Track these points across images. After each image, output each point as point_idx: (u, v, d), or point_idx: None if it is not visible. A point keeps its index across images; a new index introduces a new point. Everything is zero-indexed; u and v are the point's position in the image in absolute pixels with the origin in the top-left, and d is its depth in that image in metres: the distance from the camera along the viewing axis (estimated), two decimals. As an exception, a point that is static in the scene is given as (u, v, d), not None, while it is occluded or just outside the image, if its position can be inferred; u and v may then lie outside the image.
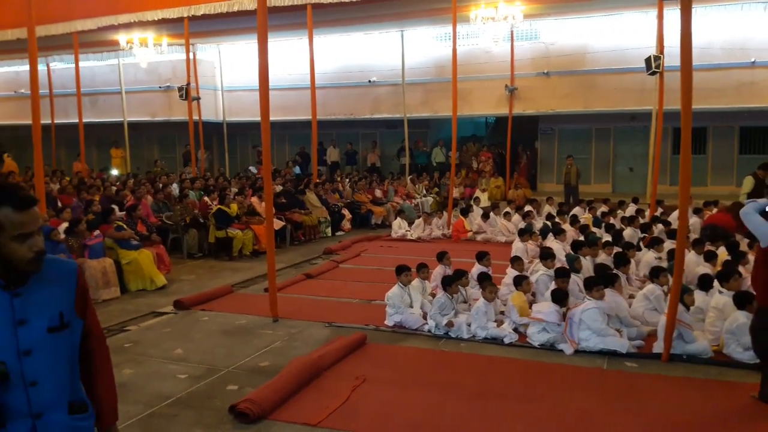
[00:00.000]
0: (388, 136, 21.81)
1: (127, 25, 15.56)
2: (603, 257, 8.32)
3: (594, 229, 10.59)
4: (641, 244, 9.46)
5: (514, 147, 18.45)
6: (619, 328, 6.29)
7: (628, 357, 5.94)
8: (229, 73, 22.04)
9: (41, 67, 17.85)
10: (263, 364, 5.84)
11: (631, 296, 7.39)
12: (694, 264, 7.90)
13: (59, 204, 10.88)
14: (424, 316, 6.94)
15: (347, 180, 17.36)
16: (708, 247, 8.54)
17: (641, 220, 11.15)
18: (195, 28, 15.80)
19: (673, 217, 11.14)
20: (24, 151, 21.87)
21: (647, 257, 8.68)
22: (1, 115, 23.50)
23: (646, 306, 6.86)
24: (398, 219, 13.75)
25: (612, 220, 11.37)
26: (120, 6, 14.62)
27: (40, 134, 8.77)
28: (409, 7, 15.53)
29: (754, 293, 5.18)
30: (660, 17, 12.73)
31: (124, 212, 10.13)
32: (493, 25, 14.83)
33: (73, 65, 16.58)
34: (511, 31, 16.84)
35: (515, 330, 6.54)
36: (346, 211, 14.65)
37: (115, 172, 20.14)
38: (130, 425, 4.58)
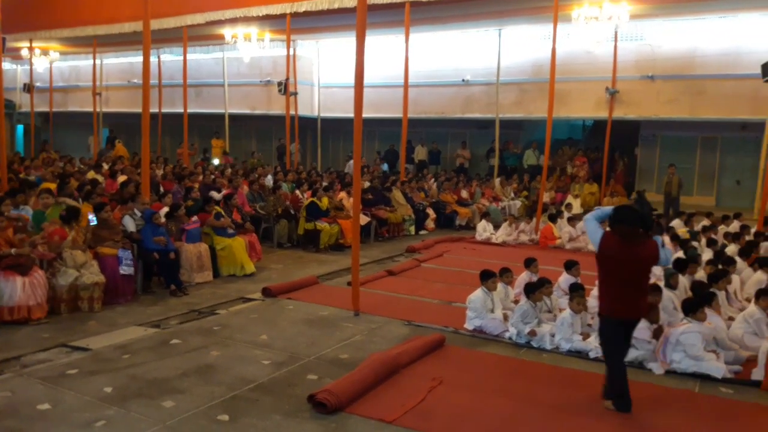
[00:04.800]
0: (478, 137, 21.54)
1: (233, 20, 16.20)
2: (701, 275, 7.84)
3: (693, 244, 10.01)
4: (746, 262, 8.84)
5: (612, 152, 17.74)
6: (716, 351, 5.92)
7: (723, 382, 5.58)
8: (326, 70, 22.49)
9: (153, 59, 18.96)
10: (343, 357, 5.94)
11: (731, 318, 6.93)
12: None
13: (161, 189, 11.51)
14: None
15: (433, 179, 17.28)
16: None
17: (746, 237, 10.41)
18: (296, 24, 16.23)
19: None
20: (133, 137, 23.28)
21: (756, 277, 8.09)
22: (116, 103, 25.10)
23: (746, 329, 6.41)
24: (483, 221, 13.55)
25: (714, 236, 10.69)
26: (227, 2, 15.26)
27: (148, 122, 9.32)
28: (509, 5, 15.26)
29: None
30: (781, 20, 11.85)
31: (221, 199, 10.57)
32: (596, 24, 14.30)
33: (181, 57, 17.48)
34: (615, 32, 16.18)
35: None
36: (430, 211, 14.61)
37: (216, 161, 21.06)
38: (214, 406, 4.78)
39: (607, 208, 5.02)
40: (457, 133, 22.15)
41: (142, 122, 9.24)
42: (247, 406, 4.82)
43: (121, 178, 12.21)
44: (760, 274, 8.10)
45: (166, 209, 9.00)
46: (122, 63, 24.66)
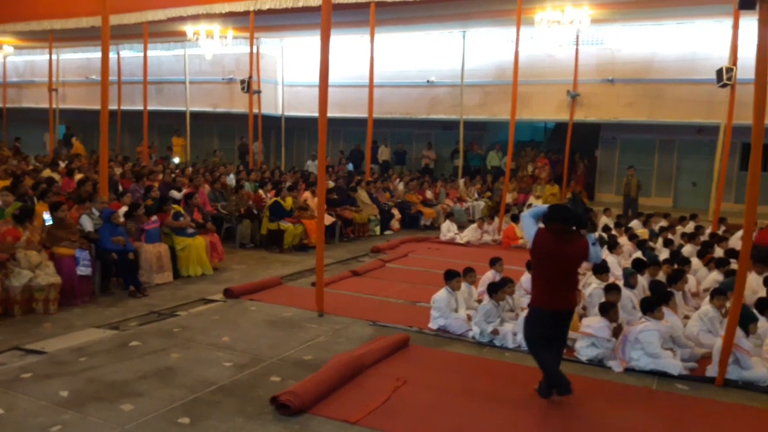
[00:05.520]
0: (443, 138, 21.67)
1: (195, 17, 15.97)
2: (660, 275, 8.03)
3: (651, 244, 10.24)
4: (701, 262, 9.09)
5: (573, 154, 18.05)
6: (672, 348, 6.07)
7: (679, 379, 5.72)
8: (290, 68, 22.34)
9: (112, 55, 18.53)
10: (306, 358, 5.89)
11: (687, 317, 7.11)
12: (758, 286, 7.55)
13: (120, 188, 11.26)
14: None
15: (398, 180, 17.31)
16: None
17: (702, 238, 10.72)
18: (260, 22, 16.07)
19: (737, 237, 10.68)
20: (91, 135, 22.75)
21: (713, 277, 8.32)
22: (73, 100, 24.47)
23: (701, 327, 6.59)
24: (447, 222, 13.65)
25: (671, 236, 10.97)
26: (190, -2, 15.05)
27: (107, 119, 9.10)
28: (473, 8, 15.37)
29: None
30: (735, 27, 12.21)
31: (181, 199, 10.39)
32: (558, 28, 14.53)
33: (142, 54, 17.15)
34: (576, 36, 16.47)
35: (563, 342, 6.39)
36: (396, 211, 14.64)
37: (176, 160, 20.71)
38: (174, 408, 4.69)
39: (543, 206, 5.21)
40: (422, 134, 22.25)
41: (100, 119, 9.02)
42: (208, 408, 4.74)
43: (78, 177, 11.90)
44: (716, 274, 8.34)
45: (125, 208, 8.81)
46: (80, 58, 24.07)
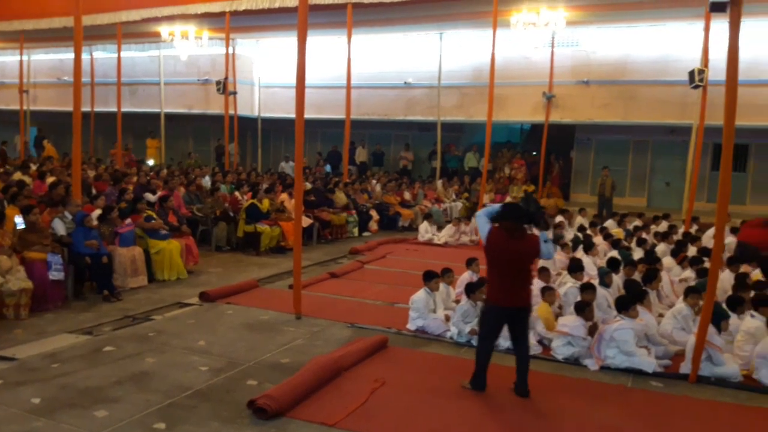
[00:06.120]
0: (421, 139, 21.72)
1: (170, 18, 15.78)
2: (636, 275, 8.13)
3: (625, 243, 10.37)
4: (675, 261, 9.23)
5: (548, 155, 18.22)
6: (647, 346, 6.14)
7: (654, 376, 5.80)
8: (267, 69, 22.22)
9: (84, 56, 18.27)
10: (284, 361, 5.85)
11: (661, 315, 7.21)
12: (728, 284, 7.68)
13: (94, 191, 11.08)
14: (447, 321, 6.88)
15: (374, 181, 17.30)
16: (744, 267, 8.30)
17: (675, 237, 10.89)
18: (236, 23, 15.95)
19: (708, 235, 10.87)
20: (63, 137, 22.36)
21: (684, 275, 8.46)
22: (44, 101, 24.04)
23: (675, 325, 6.69)
24: (425, 223, 13.68)
25: (645, 235, 11.12)
26: (164, -1, 14.86)
27: (80, 121, 8.96)
28: (450, 9, 15.44)
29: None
30: (707, 29, 12.43)
31: (156, 201, 10.26)
32: (534, 30, 14.66)
33: (116, 55, 16.90)
34: (552, 38, 16.62)
35: (539, 342, 6.44)
36: (374, 212, 14.63)
37: (150, 162, 20.46)
38: (150, 414, 4.63)
39: (496, 206, 5.35)
40: (400, 135, 22.27)
41: (73, 121, 8.88)
42: (184, 413, 4.68)
43: (50, 180, 11.69)
44: (688, 272, 8.47)
45: (98, 212, 8.67)
46: (52, 59, 23.65)
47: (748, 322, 6.16)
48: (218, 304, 7.76)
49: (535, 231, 5.32)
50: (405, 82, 19.92)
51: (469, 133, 21.66)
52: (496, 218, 5.20)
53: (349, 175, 16.99)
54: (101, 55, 22.13)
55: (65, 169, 12.94)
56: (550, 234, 5.46)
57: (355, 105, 16.57)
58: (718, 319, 5.87)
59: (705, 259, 8.44)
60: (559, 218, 13.21)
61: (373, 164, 21.50)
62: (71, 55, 9.38)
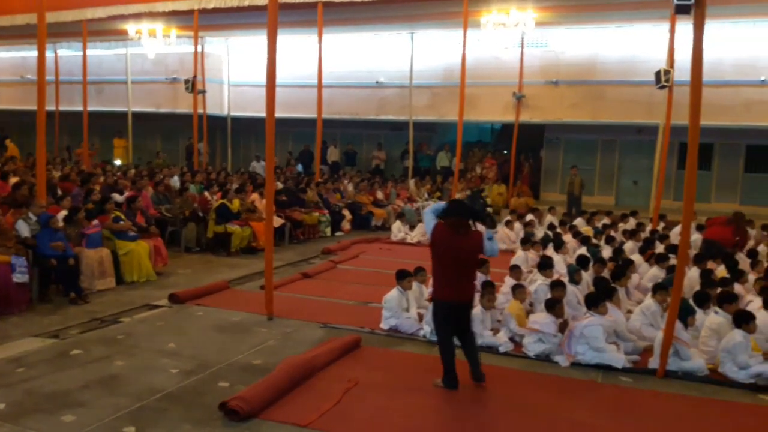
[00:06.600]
0: (393, 139, 21.74)
1: (137, 15, 15.54)
2: (605, 272, 8.25)
3: (594, 241, 10.52)
4: (643, 258, 9.39)
5: (518, 155, 18.40)
6: (616, 342, 6.24)
7: (623, 372, 5.89)
8: (236, 68, 22.01)
9: (49, 54, 17.86)
10: (256, 362, 5.80)
11: (629, 311, 7.32)
12: (695, 281, 7.84)
13: (59, 192, 10.83)
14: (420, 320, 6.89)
15: (346, 181, 17.26)
16: (710, 264, 8.49)
17: (643, 235, 11.09)
18: (204, 21, 15.78)
19: (675, 233, 11.09)
20: (27, 136, 21.81)
21: (652, 272, 8.61)
22: (6, 100, 23.46)
23: (643, 321, 6.81)
24: (398, 222, 13.69)
25: (613, 233, 11.30)
26: (131, -4, 14.62)
27: (44, 120, 8.77)
28: (421, 9, 15.49)
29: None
30: (672, 31, 12.68)
31: (123, 202, 10.09)
32: (503, 31, 14.78)
33: (81, 53, 16.58)
34: (522, 38, 16.78)
35: (511, 339, 6.49)
36: (346, 212, 14.59)
37: (118, 162, 20.10)
38: (119, 418, 4.54)
39: (442, 203, 5.45)
40: (372, 135, 22.26)
41: (37, 120, 8.68)
42: (154, 416, 4.60)
43: (14, 180, 11.39)
44: (655, 269, 8.63)
45: (64, 213, 8.48)
46: (14, 57, 23.12)
47: (712, 318, 6.30)
48: (188, 306, 7.65)
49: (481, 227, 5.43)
50: (376, 82, 19.93)
51: (441, 132, 21.76)
52: (442, 215, 5.28)
53: (321, 174, 16.93)
54: (66, 53, 21.66)
55: (29, 170, 12.63)
56: (495, 232, 5.55)
57: (327, 104, 16.52)
58: (685, 314, 5.99)
59: (672, 256, 8.60)
60: (529, 217, 13.36)
61: (346, 164, 21.45)
62: (35, 53, 9.16)
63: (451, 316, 5.34)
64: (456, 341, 5.42)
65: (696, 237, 10.63)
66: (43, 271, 7.62)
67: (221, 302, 7.85)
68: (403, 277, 7.06)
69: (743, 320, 5.82)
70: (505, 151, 19.96)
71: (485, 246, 5.26)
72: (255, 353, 6.06)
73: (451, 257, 5.20)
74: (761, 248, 10.21)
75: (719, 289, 6.90)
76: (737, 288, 7.34)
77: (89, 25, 15.87)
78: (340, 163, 21.35)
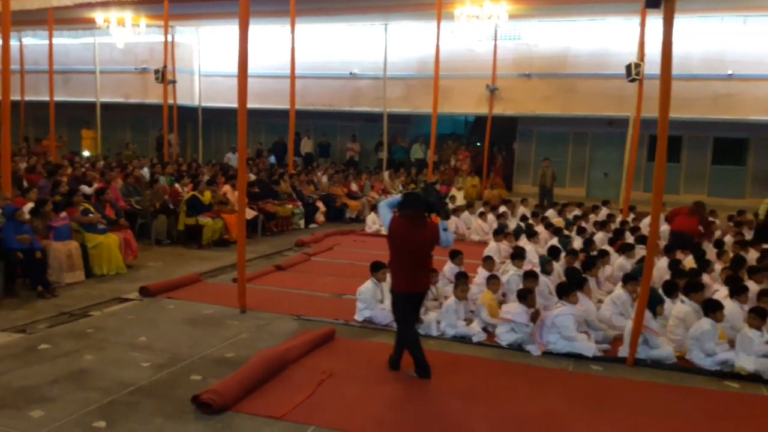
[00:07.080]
0: (367, 130, 21.66)
1: (105, 4, 15.22)
2: (576, 263, 8.35)
3: (566, 232, 10.64)
4: (613, 248, 9.52)
5: (492, 147, 18.50)
6: (587, 331, 6.33)
7: (593, 360, 5.98)
8: (208, 58, 21.69)
9: (13, 42, 17.40)
10: (228, 355, 5.75)
11: (600, 301, 7.43)
12: (664, 271, 7.99)
13: (25, 183, 10.60)
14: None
15: (320, 172, 17.16)
16: (678, 254, 8.65)
17: (613, 225, 11.25)
18: (175, 10, 15.51)
19: (645, 224, 11.27)
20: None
21: (619, 262, 8.75)
22: (-30, 89, 22.81)
23: (614, 310, 6.92)
24: (372, 214, 13.68)
25: (584, 224, 11.45)
26: (99, -16, 14.31)
27: (8, 111, 8.57)
28: (395, 0, 15.43)
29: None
30: (642, 25, 12.84)
31: (92, 194, 9.90)
32: (477, 23, 14.81)
33: (47, 41, 16.16)
34: (495, 31, 16.85)
35: (484, 329, 6.55)
36: (320, 204, 14.53)
37: (86, 153, 19.71)
38: (89, 412, 4.48)
39: (398, 196, 5.57)
40: (346, 126, 22.15)
41: (1, 111, 8.46)
42: (125, 410, 4.55)
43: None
44: (623, 260, 8.77)
45: (30, 205, 8.29)
46: (-23, 46, 22.40)
47: (679, 307, 6.45)
48: (159, 299, 7.56)
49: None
50: (350, 73, 19.82)
51: (415, 124, 21.76)
52: (398, 207, 5.36)
53: (294, 166, 16.81)
54: (31, 41, 21.11)
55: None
56: (450, 223, 5.63)
57: (300, 95, 16.38)
58: (654, 304, 6.10)
59: (641, 246, 8.74)
60: (502, 208, 13.47)
61: (319, 155, 21.33)
62: (-1, 41, 8.92)
63: (409, 305, 5.45)
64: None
65: (665, 227, 10.81)
66: (9, 265, 7.45)
67: (193, 295, 7.78)
68: (377, 269, 7.06)
69: (712, 309, 5.96)
70: (479, 144, 20.05)
71: (441, 236, 5.36)
72: (228, 346, 6.01)
73: (407, 249, 5.28)
74: (727, 239, 10.43)
75: (686, 280, 7.04)
76: (704, 278, 7.51)
77: (55, 13, 15.47)
78: (313, 154, 21.21)
